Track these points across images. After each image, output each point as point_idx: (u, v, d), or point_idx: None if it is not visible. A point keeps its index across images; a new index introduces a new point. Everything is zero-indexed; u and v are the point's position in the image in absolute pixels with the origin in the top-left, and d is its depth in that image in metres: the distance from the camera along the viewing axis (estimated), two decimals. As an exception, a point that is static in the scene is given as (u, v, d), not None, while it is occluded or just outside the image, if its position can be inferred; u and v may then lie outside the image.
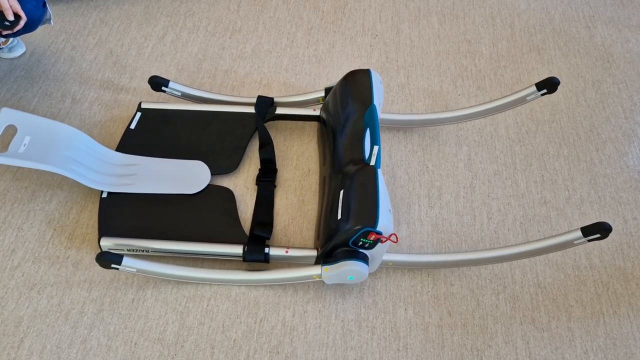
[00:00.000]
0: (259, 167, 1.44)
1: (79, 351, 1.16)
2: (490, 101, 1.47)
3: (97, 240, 1.30)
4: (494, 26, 1.85)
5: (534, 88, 1.39)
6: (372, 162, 1.18)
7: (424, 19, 1.86)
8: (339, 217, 1.14)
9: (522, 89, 1.42)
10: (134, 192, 1.33)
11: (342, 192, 1.18)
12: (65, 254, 1.30)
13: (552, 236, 1.20)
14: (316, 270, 1.17)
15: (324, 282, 1.27)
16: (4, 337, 1.18)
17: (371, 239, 1.10)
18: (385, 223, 1.10)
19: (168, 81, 1.51)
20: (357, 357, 1.18)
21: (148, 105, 1.50)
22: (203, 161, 1.40)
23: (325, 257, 1.17)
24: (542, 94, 1.38)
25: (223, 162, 1.41)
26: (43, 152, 1.28)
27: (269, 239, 1.27)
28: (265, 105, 1.49)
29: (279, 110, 1.49)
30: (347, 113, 1.33)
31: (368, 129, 1.26)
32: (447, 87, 1.68)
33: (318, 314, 1.23)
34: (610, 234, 1.22)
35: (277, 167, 1.45)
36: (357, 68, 1.58)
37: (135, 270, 1.22)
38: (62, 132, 1.35)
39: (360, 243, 1.12)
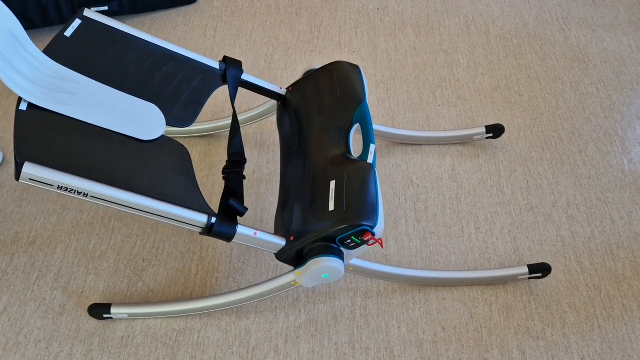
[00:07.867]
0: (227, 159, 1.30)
1: (70, 395, 1.14)
2: (439, 131, 1.58)
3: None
4: (469, 35, 1.86)
5: (483, 129, 1.52)
6: (369, 160, 1.13)
7: (399, 32, 1.87)
8: (331, 208, 1.07)
9: (472, 128, 1.55)
10: (68, 116, 1.05)
11: (333, 183, 1.11)
12: (51, 294, 1.28)
13: (499, 269, 1.30)
14: (291, 277, 1.11)
15: (309, 293, 1.26)
16: (-8, 385, 1.16)
17: (365, 238, 1.04)
18: (380, 225, 1.05)
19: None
20: (352, 380, 1.16)
21: (92, 15, 1.23)
22: (153, 104, 1.18)
23: (300, 251, 1.09)
24: (487, 137, 1.53)
25: (177, 113, 1.20)
26: None
27: (242, 215, 1.13)
28: (235, 74, 1.34)
29: (245, 78, 1.35)
30: (333, 102, 1.27)
31: (357, 126, 1.21)
32: (427, 98, 1.68)
33: (311, 338, 1.22)
34: (550, 273, 1.28)
35: (246, 158, 1.32)
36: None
37: (126, 315, 1.21)
38: None
39: (349, 241, 1.06)
